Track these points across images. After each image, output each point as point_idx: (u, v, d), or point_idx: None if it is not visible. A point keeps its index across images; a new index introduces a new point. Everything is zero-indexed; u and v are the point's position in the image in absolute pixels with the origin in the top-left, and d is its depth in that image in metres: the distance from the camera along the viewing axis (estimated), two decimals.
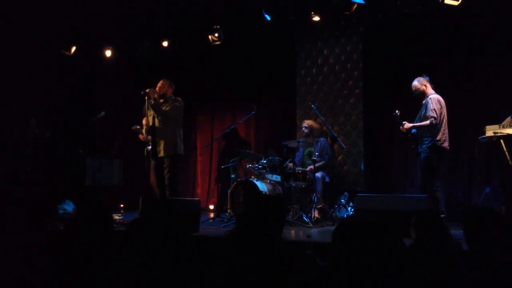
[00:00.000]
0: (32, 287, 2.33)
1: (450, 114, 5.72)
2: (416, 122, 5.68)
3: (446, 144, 5.57)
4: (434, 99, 5.54)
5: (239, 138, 8.48)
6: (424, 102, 5.67)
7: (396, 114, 5.70)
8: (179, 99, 6.47)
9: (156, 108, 6.23)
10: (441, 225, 2.82)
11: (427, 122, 5.48)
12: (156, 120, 6.32)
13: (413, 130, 5.67)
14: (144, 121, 6.40)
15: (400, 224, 3.29)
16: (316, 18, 7.35)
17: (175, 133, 6.36)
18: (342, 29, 7.61)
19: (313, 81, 7.78)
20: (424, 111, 5.60)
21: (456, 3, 6.21)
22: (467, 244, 2.59)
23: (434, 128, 5.50)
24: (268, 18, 7.36)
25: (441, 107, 5.55)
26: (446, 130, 5.60)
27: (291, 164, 6.60)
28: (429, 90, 5.70)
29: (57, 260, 2.29)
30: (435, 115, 5.45)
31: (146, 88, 6.27)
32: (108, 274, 2.05)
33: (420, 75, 5.79)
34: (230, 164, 7.46)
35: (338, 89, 7.59)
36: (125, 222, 5.93)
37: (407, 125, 5.64)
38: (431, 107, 5.49)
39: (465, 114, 6.58)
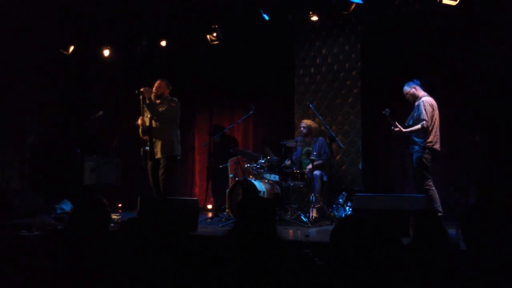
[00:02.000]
0: (29, 285, 2.33)
1: (447, 113, 5.74)
2: (409, 123, 5.76)
3: (437, 146, 5.62)
4: (426, 102, 5.62)
5: (237, 138, 8.48)
6: (416, 104, 5.74)
7: (386, 112, 5.77)
8: (175, 99, 6.40)
9: (151, 107, 6.17)
10: (439, 225, 2.83)
11: (419, 126, 5.58)
12: (153, 121, 6.28)
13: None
14: (139, 121, 6.34)
15: (398, 223, 3.31)
16: (315, 18, 7.34)
17: (172, 134, 6.30)
18: (341, 29, 7.61)
19: (311, 80, 7.78)
20: (416, 113, 5.67)
21: (454, 3, 6.22)
22: (464, 244, 2.60)
23: (426, 130, 5.55)
24: (267, 17, 7.35)
25: (433, 110, 5.63)
26: (438, 132, 5.65)
27: (289, 162, 6.60)
28: (420, 92, 5.81)
29: (54, 258, 2.29)
30: (426, 119, 5.53)
31: (141, 88, 6.22)
32: (105, 273, 2.04)
33: (410, 80, 5.89)
34: (228, 164, 7.46)
35: (336, 88, 7.60)
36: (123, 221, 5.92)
37: (399, 129, 5.71)
38: (423, 111, 5.56)
39: (463, 113, 6.58)
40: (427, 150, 5.57)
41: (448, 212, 5.90)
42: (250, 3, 7.43)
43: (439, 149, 5.65)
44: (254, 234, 2.13)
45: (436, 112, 5.64)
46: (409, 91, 5.83)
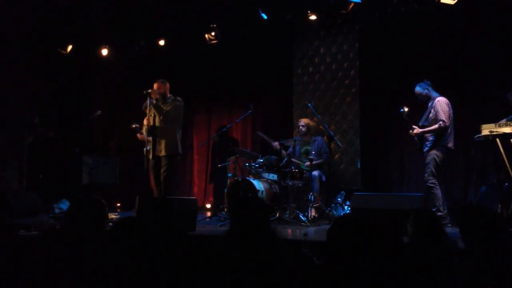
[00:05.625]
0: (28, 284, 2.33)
1: None
2: (423, 123, 5.76)
3: (451, 144, 5.64)
4: (442, 102, 5.64)
5: (236, 137, 8.48)
6: (430, 104, 5.74)
7: (404, 111, 5.77)
8: (179, 98, 6.52)
9: (158, 108, 6.29)
10: (437, 224, 2.84)
11: (436, 126, 5.58)
12: (157, 119, 6.36)
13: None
14: (145, 122, 6.41)
15: (397, 222, 3.31)
16: (313, 17, 7.35)
17: (176, 133, 6.42)
18: (339, 28, 7.61)
19: (310, 80, 7.79)
20: (432, 113, 5.68)
21: (452, 2, 6.23)
22: (463, 243, 2.60)
23: (444, 130, 5.57)
24: (265, 17, 7.35)
25: (449, 109, 5.65)
26: (452, 130, 5.67)
27: (284, 151, 6.58)
28: (433, 92, 5.81)
29: (53, 257, 2.29)
30: (444, 119, 5.54)
31: (148, 88, 6.29)
32: (102, 272, 2.04)
33: (421, 80, 5.87)
34: (227, 163, 7.46)
35: (334, 88, 7.60)
36: None
37: (417, 130, 5.71)
38: (441, 111, 5.57)
39: (462, 112, 6.59)
40: (440, 149, 5.59)
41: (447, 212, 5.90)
42: (249, 3, 7.43)
43: (453, 147, 5.67)
44: (251, 234, 2.13)
45: (451, 111, 5.67)
46: (422, 92, 5.82)
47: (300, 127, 7.06)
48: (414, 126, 5.74)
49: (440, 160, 5.60)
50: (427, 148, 5.70)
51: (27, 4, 7.56)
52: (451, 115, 5.65)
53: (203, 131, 8.79)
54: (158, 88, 6.41)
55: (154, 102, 6.28)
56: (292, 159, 6.58)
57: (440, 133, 5.59)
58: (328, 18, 7.54)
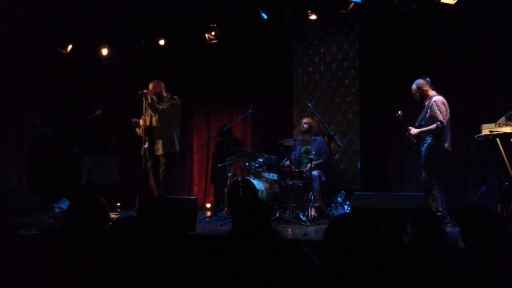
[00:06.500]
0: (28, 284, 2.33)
1: None
2: (420, 123, 5.72)
3: (447, 145, 5.60)
4: (439, 102, 5.55)
5: (235, 137, 8.48)
6: (427, 103, 5.69)
7: (399, 115, 5.75)
8: (176, 97, 6.55)
9: (153, 107, 6.31)
10: (437, 223, 2.84)
11: (433, 126, 5.51)
12: (154, 119, 6.38)
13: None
14: (141, 122, 6.42)
15: (396, 222, 3.31)
16: (313, 17, 7.35)
17: (173, 132, 6.44)
18: (339, 28, 7.60)
19: (310, 79, 7.78)
20: (428, 113, 5.62)
21: (452, 1, 6.22)
22: (463, 242, 2.60)
23: (441, 130, 5.53)
24: (265, 16, 7.35)
25: (446, 109, 5.57)
26: (449, 130, 5.63)
27: (288, 162, 6.60)
28: (430, 92, 5.73)
29: (52, 257, 2.29)
30: (441, 119, 5.47)
31: (144, 89, 6.33)
32: (102, 273, 2.04)
33: (420, 77, 5.82)
34: (227, 163, 7.46)
35: (334, 87, 7.59)
36: None
37: (414, 131, 5.68)
38: (438, 111, 5.51)
39: (461, 112, 6.59)
40: (437, 149, 5.56)
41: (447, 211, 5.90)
42: (249, 2, 7.43)
43: (449, 148, 5.63)
44: (252, 234, 2.13)
45: (448, 111, 5.62)
46: (418, 90, 5.77)
47: (303, 124, 7.07)
48: (410, 128, 5.73)
49: (437, 160, 5.57)
50: (424, 148, 5.67)
51: (27, 4, 7.55)
52: (448, 114, 5.61)
53: (203, 130, 8.78)
54: (154, 87, 6.45)
55: (149, 101, 6.30)
56: (294, 167, 6.58)
57: (437, 134, 5.56)
58: (328, 18, 7.54)
